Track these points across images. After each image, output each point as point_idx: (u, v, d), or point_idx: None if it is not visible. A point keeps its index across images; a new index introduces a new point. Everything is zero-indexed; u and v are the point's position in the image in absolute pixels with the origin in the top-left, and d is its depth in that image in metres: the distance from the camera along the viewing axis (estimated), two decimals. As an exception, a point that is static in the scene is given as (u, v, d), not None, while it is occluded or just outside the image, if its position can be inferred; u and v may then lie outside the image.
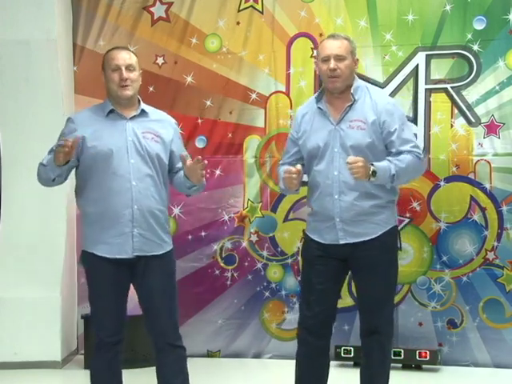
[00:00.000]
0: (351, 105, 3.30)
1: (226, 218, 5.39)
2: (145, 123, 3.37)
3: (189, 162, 3.30)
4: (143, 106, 3.42)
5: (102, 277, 3.31)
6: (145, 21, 5.41)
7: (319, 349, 3.37)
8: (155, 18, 5.37)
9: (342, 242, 3.28)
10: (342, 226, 3.27)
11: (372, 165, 3.17)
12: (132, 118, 3.36)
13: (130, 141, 3.31)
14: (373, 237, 3.28)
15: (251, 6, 5.26)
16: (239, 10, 5.29)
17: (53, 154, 3.22)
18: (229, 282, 5.41)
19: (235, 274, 5.44)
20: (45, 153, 4.82)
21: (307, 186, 3.47)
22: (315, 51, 4.76)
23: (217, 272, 5.38)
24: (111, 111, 3.36)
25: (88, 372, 4.46)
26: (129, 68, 3.32)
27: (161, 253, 3.35)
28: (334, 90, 3.31)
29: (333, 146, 3.28)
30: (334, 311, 3.41)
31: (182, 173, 3.39)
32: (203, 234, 5.37)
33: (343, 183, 3.26)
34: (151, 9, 5.39)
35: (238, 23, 5.31)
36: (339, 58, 3.26)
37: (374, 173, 3.15)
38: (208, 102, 5.23)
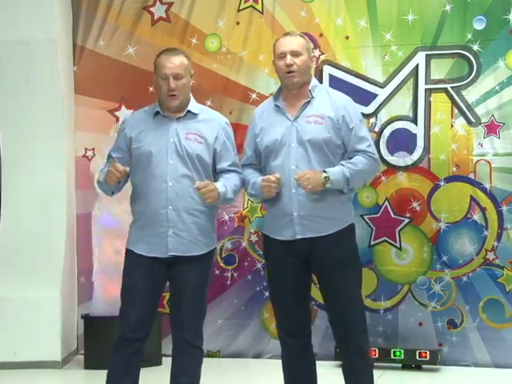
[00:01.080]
0: (309, 101, 3.32)
1: (226, 217, 5.39)
2: (190, 124, 3.39)
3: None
4: (193, 106, 3.43)
5: (134, 272, 3.34)
6: (145, 21, 5.44)
7: (300, 349, 3.33)
8: (155, 18, 5.40)
9: (298, 236, 3.23)
10: (299, 221, 3.22)
11: (324, 171, 3.18)
12: (178, 119, 3.39)
13: (171, 142, 3.33)
14: (330, 232, 3.24)
15: (251, 5, 5.29)
16: (239, 10, 5.32)
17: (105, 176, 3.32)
18: (229, 282, 5.42)
19: (235, 274, 5.44)
20: (45, 152, 4.85)
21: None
22: (315, 50, 4.96)
23: (217, 272, 5.31)
24: (157, 113, 3.41)
25: (88, 372, 4.55)
26: (176, 77, 3.32)
27: (198, 254, 3.34)
28: (292, 85, 3.30)
29: (290, 141, 3.27)
30: (306, 310, 3.37)
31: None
32: None
33: None
34: (151, 9, 5.42)
35: (237, 23, 5.34)
36: (295, 54, 3.27)
37: (328, 178, 3.16)
38: (208, 102, 5.13)
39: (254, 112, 3.54)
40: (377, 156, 3.36)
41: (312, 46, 3.47)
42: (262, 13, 5.29)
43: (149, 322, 3.35)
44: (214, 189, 3.25)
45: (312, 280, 3.38)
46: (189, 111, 3.40)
